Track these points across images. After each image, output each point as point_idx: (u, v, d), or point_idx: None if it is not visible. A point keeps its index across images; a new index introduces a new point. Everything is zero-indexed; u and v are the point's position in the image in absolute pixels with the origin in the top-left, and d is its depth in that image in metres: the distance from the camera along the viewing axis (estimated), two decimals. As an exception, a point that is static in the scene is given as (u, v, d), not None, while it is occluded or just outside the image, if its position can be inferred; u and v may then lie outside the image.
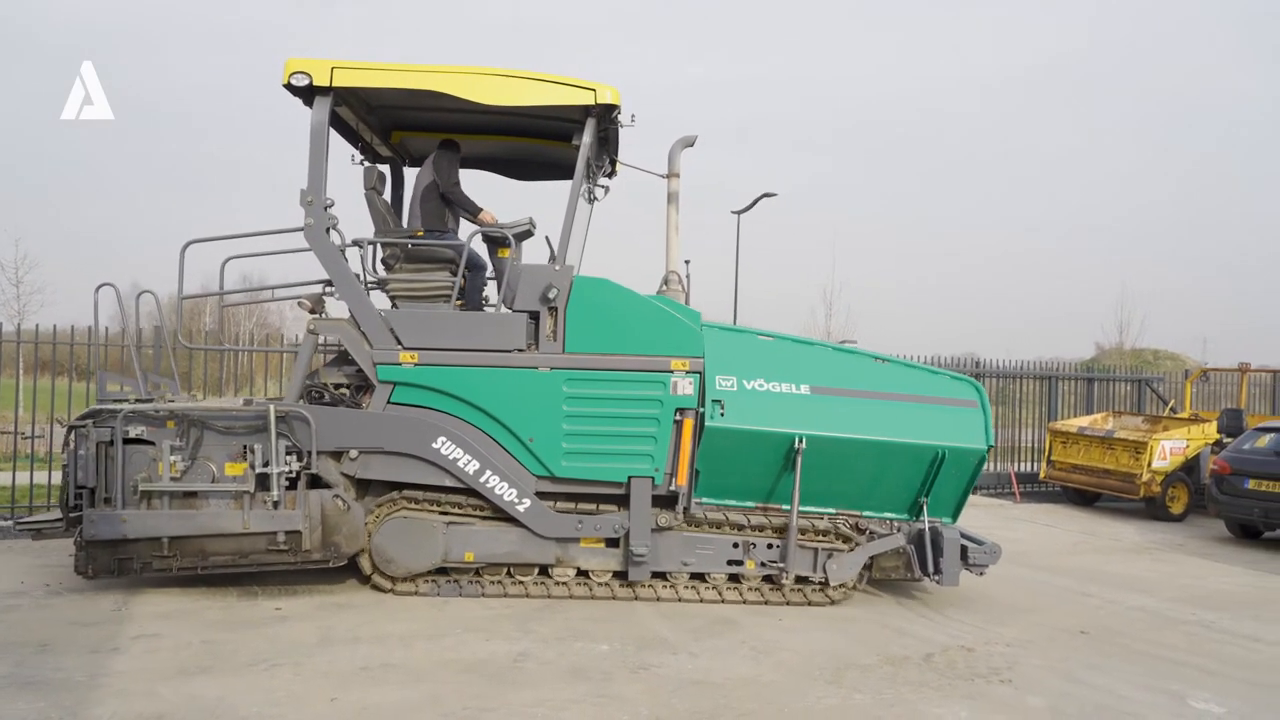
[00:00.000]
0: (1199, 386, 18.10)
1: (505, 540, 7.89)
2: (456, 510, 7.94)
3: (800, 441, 7.91)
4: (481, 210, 8.34)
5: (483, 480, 7.77)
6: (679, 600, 7.96)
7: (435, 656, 6.12)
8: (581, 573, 8.07)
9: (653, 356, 7.93)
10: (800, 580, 8.08)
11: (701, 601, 7.96)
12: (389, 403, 7.86)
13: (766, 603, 8.01)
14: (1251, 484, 11.58)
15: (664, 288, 9.19)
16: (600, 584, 8.03)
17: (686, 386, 7.91)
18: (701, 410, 7.96)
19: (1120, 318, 34.88)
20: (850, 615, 7.82)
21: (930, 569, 8.05)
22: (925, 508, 8.30)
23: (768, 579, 8.11)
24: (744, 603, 8.00)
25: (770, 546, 8.06)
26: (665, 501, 8.00)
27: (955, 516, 8.60)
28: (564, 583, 8.00)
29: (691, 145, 9.40)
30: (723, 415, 7.93)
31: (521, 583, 7.98)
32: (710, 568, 8.07)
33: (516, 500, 7.80)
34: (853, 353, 8.70)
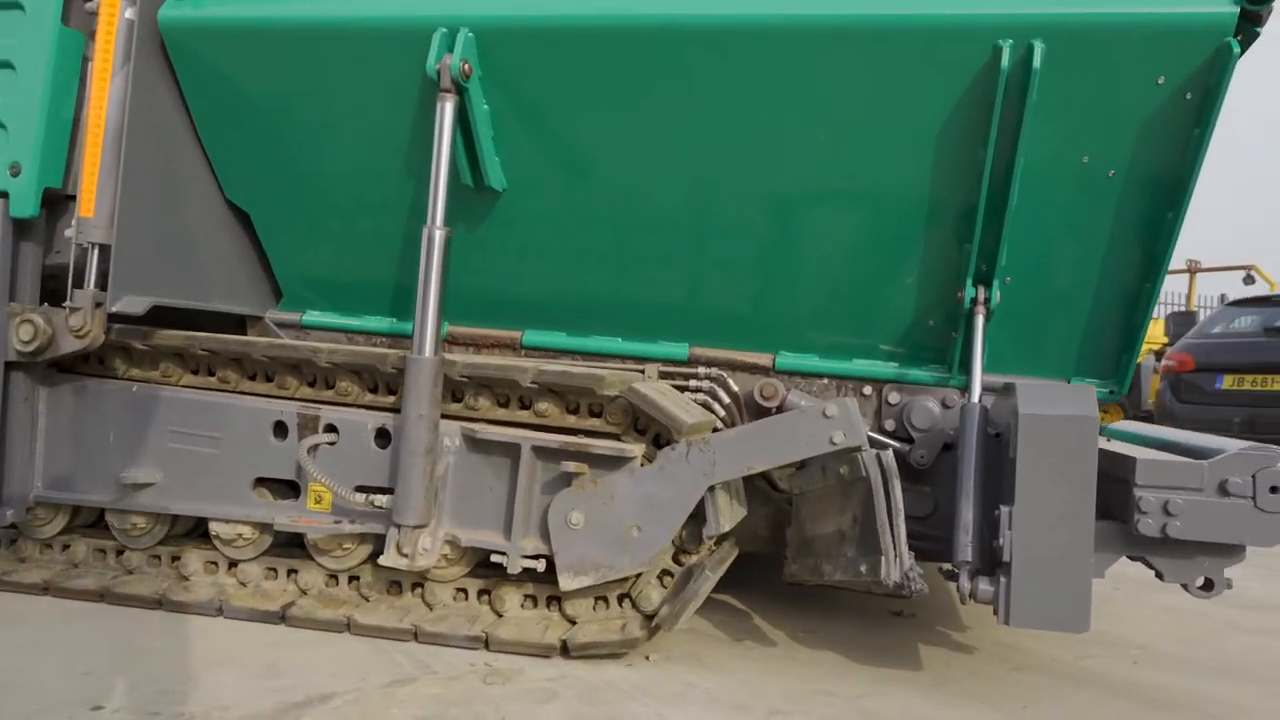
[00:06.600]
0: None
1: None
2: None
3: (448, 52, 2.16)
4: None
5: None
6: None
7: None
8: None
9: None
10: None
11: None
12: None
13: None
14: (1227, 382, 7.57)
15: None
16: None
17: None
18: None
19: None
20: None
21: (966, 555, 1.95)
22: (983, 309, 2.21)
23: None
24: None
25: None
26: None
27: (1121, 376, 2.35)
28: None
29: None
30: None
31: None
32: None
33: None
34: None
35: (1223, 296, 11.03)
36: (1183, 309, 12.54)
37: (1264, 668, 2.36)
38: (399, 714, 1.85)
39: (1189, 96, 1.91)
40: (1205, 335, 8.27)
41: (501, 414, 2.30)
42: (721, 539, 2.26)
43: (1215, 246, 17.32)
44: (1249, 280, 13.45)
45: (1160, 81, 1.90)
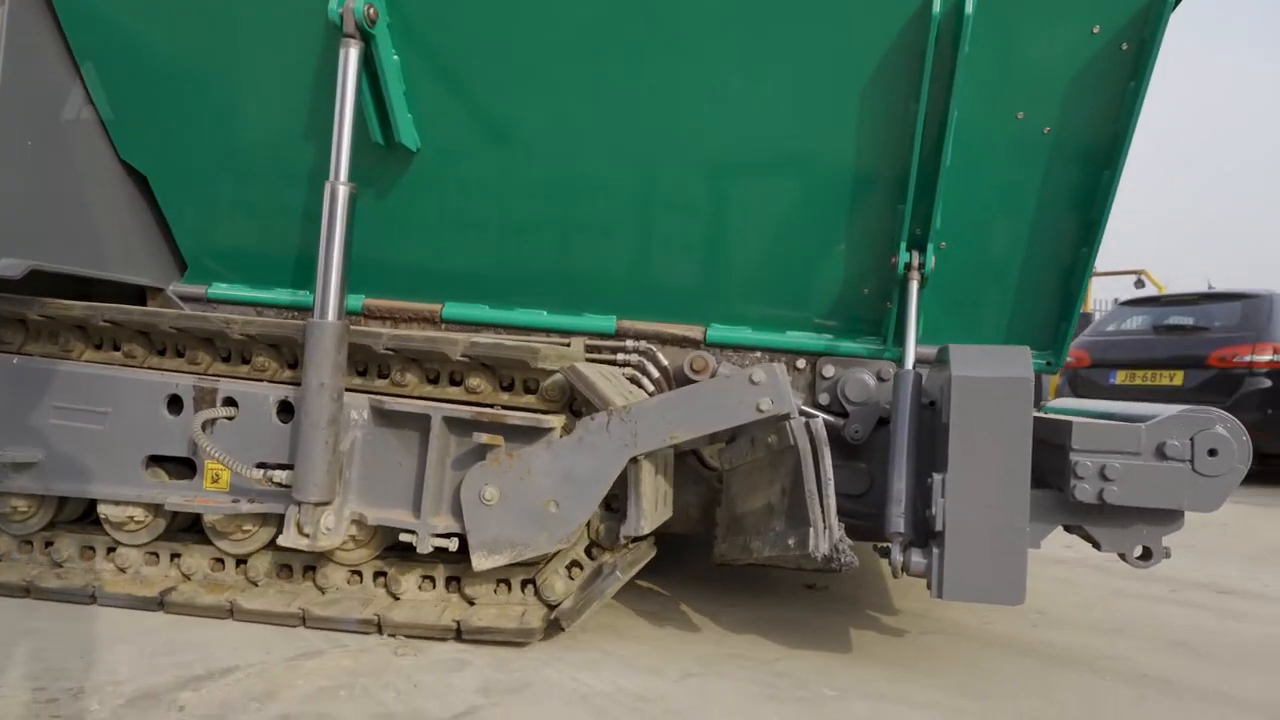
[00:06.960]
0: None
1: None
2: None
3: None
4: None
5: None
6: None
7: None
8: None
9: None
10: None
11: None
12: None
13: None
14: (1120, 377, 7.75)
15: None
16: None
17: None
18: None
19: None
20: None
21: (898, 527, 1.85)
22: (918, 275, 2.12)
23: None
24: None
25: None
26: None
27: (1058, 346, 2.28)
28: None
29: None
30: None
31: None
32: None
33: None
34: None
35: (1116, 299, 11.21)
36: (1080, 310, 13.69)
37: (1146, 627, 2.47)
38: (304, 685, 1.71)
39: (1125, 47, 1.84)
40: (1100, 333, 8.49)
41: (430, 390, 2.16)
42: (638, 538, 2.13)
43: (1107, 254, 18.22)
44: (1139, 284, 14.22)
45: (1095, 31, 1.84)
